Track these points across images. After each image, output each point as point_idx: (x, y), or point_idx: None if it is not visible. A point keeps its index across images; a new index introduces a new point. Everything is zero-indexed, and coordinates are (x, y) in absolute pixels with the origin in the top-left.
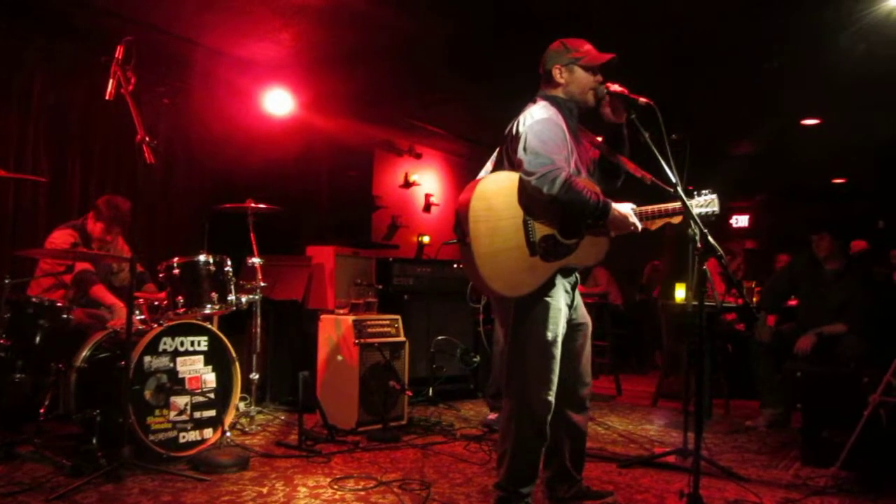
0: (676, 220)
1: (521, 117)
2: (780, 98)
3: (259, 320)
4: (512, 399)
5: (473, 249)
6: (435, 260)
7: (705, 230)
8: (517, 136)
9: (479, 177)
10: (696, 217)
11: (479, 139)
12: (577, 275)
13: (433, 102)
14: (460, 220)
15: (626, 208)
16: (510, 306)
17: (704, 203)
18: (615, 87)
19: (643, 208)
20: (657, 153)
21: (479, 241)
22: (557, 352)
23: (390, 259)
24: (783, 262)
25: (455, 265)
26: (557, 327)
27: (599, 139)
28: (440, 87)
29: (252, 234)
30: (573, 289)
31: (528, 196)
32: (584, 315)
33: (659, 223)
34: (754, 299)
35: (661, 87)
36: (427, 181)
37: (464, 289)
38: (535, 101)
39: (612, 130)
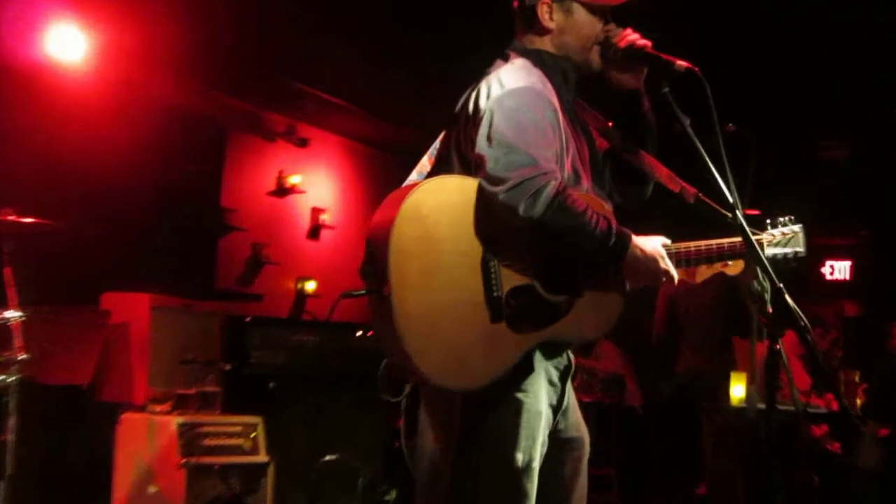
0: (734, 269)
1: (484, 84)
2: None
3: (13, 421)
4: None
5: (395, 306)
6: (326, 322)
7: (780, 285)
8: (476, 117)
9: (408, 182)
10: (767, 262)
11: (409, 117)
12: (571, 355)
13: (329, 53)
14: (374, 255)
15: (654, 244)
16: (453, 405)
17: (782, 239)
18: (636, 39)
19: (682, 246)
20: (703, 153)
21: (407, 293)
22: (533, 486)
23: (247, 319)
24: None
25: (360, 332)
26: (534, 445)
27: (610, 125)
28: (343, 26)
29: (7, 270)
30: (563, 379)
31: (493, 219)
32: (578, 424)
33: (708, 272)
34: (857, 401)
35: (711, 55)
36: (316, 186)
37: (372, 372)
38: (506, 58)
39: (631, 112)
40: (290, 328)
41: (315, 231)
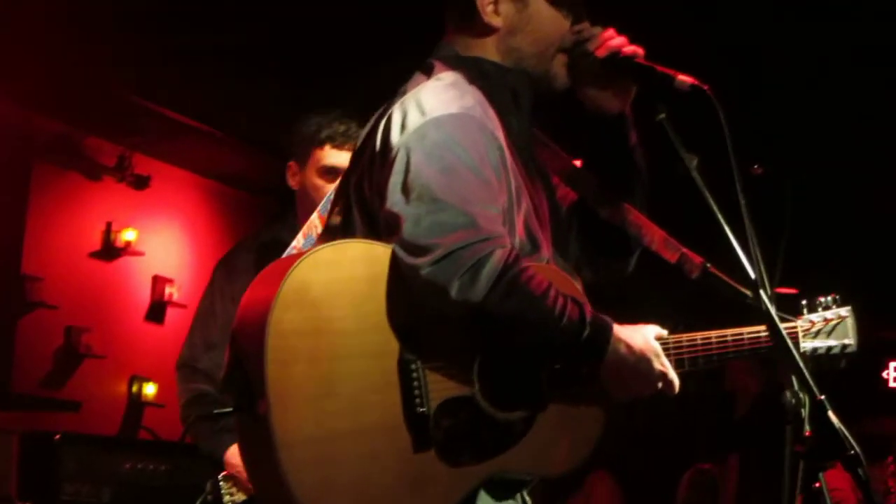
0: (752, 382)
1: (397, 110)
2: None
3: None
4: None
5: (275, 432)
6: (174, 444)
7: (821, 397)
8: (386, 158)
9: (290, 252)
10: (802, 361)
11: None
12: (526, 499)
13: (178, 55)
14: (243, 357)
15: (645, 337)
16: None
17: (823, 327)
18: (621, 44)
19: (685, 338)
20: (715, 207)
21: (290, 414)
22: None
23: (56, 437)
24: None
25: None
26: None
27: (578, 164)
28: (194, 20)
29: None
30: None
31: (415, 304)
32: None
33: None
34: None
35: (727, 69)
36: (159, 246)
37: None
38: (430, 70)
39: (612, 147)
40: (120, 451)
41: (157, 310)
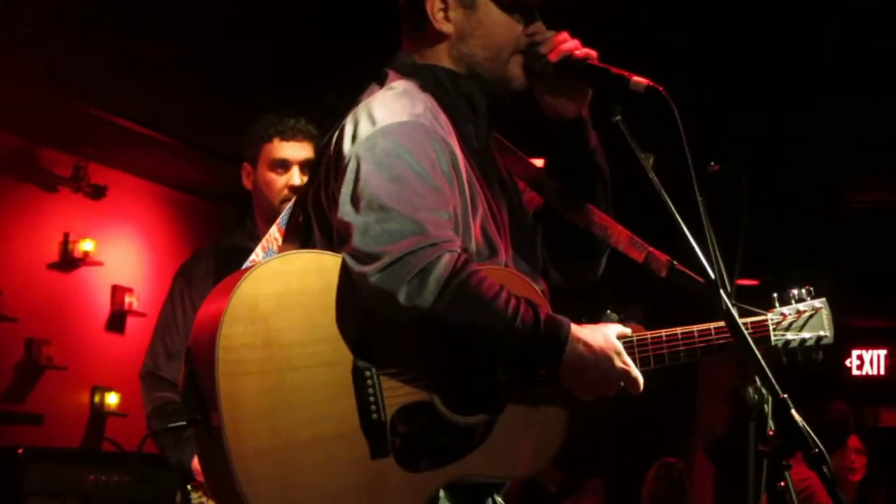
0: (721, 374)
1: (350, 120)
2: None
3: None
4: None
5: (229, 445)
6: (136, 455)
7: (783, 395)
8: (339, 167)
9: (247, 264)
10: (757, 352)
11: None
12: (498, 501)
13: (133, 63)
14: (196, 371)
15: (605, 336)
16: None
17: (796, 320)
18: (573, 47)
19: (649, 336)
20: (671, 204)
21: (244, 426)
22: None
23: (19, 451)
24: None
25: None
26: None
27: (540, 164)
28: (149, 27)
29: None
30: None
31: (366, 311)
32: None
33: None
34: None
35: (685, 65)
36: (118, 255)
37: None
38: (384, 80)
39: (572, 151)
40: (84, 463)
41: (117, 320)
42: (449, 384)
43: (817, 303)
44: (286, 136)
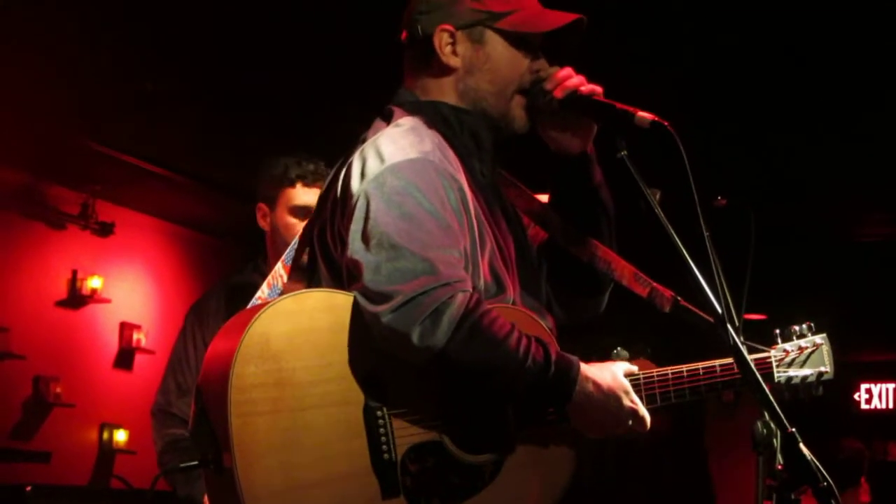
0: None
1: (357, 157)
2: None
3: None
4: None
5: (241, 485)
6: (146, 492)
7: (792, 429)
8: (346, 205)
9: (254, 303)
10: (773, 393)
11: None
12: None
13: (140, 100)
14: (208, 410)
15: (613, 374)
16: None
17: (798, 356)
18: (578, 83)
19: (656, 373)
20: (677, 240)
21: (256, 466)
22: None
23: (27, 489)
24: None
25: None
26: None
27: (545, 199)
28: (158, 64)
29: None
30: None
31: (378, 351)
32: None
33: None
34: None
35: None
36: (126, 292)
37: None
38: (389, 116)
39: (577, 187)
40: (92, 501)
41: (125, 357)
42: (459, 424)
43: (818, 339)
44: (308, 182)
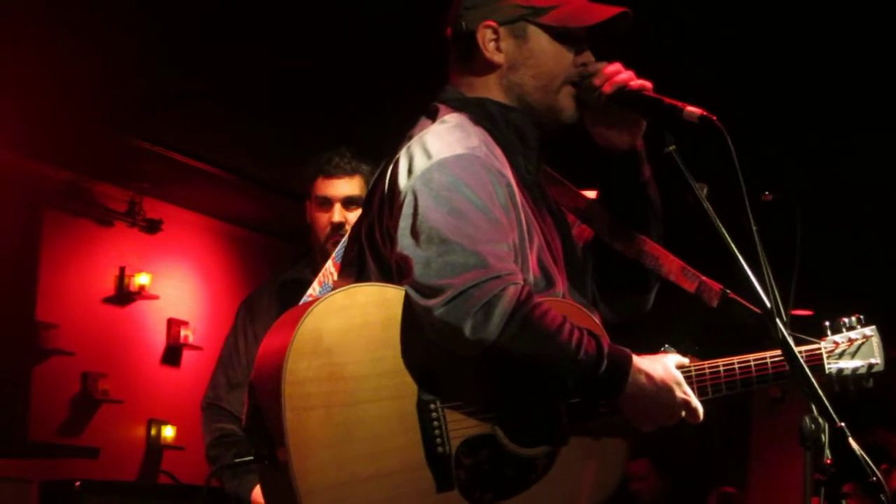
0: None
1: (404, 154)
2: None
3: None
4: None
5: (296, 478)
6: (194, 487)
7: (841, 424)
8: (394, 202)
9: (306, 299)
10: (814, 381)
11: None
12: None
13: (190, 93)
14: (261, 406)
15: (665, 367)
16: None
17: (847, 348)
18: (627, 78)
19: (707, 366)
20: (725, 234)
21: (310, 460)
22: None
23: (76, 485)
24: None
25: None
26: None
27: (593, 195)
28: (199, 63)
29: None
30: None
31: (430, 345)
32: None
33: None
34: None
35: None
36: (173, 289)
37: None
38: (434, 114)
39: (624, 183)
40: (140, 496)
41: (173, 353)
42: (511, 416)
43: (868, 330)
44: (327, 174)
